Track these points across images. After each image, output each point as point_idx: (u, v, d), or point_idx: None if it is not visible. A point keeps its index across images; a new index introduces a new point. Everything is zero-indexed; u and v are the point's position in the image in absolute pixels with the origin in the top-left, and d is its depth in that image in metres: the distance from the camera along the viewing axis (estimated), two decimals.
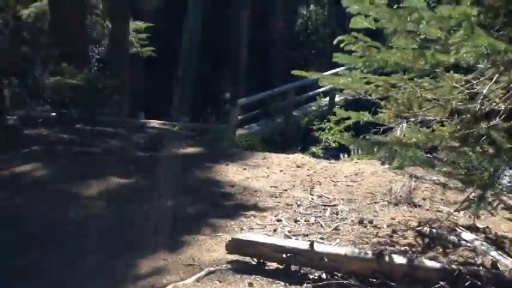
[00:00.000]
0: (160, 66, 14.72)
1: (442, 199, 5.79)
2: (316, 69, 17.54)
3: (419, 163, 4.24)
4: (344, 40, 4.13)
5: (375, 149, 4.41)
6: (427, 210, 5.32)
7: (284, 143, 12.42)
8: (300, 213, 5.08)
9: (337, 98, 14.78)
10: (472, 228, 4.39)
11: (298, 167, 6.87)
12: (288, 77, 15.09)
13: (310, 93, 14.35)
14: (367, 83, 4.60)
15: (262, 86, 13.95)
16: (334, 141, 12.06)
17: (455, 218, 5.12)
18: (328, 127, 12.20)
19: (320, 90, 14.39)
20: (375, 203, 5.41)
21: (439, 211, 5.32)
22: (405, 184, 5.68)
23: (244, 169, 6.62)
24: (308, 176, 6.41)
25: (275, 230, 4.58)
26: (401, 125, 7.44)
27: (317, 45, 18.03)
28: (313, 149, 11.89)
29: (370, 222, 4.83)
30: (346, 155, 8.66)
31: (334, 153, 11.50)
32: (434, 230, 4.32)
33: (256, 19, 16.44)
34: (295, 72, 4.99)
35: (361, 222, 4.83)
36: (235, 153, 7.70)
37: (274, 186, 5.85)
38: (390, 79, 4.42)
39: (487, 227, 4.74)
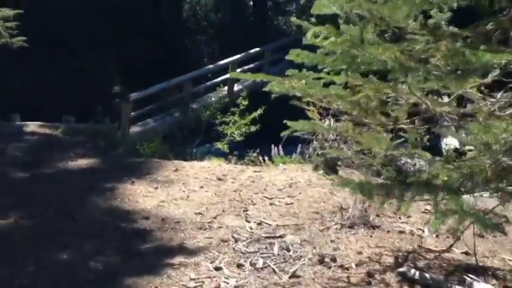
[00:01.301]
0: (37, 58, 12.66)
1: (395, 213, 4.84)
2: (209, 57, 16.31)
3: (472, 221, 2.96)
4: (319, 32, 2.94)
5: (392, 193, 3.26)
6: (388, 232, 4.33)
7: (185, 139, 11.11)
8: (241, 252, 3.86)
9: (235, 88, 13.66)
10: (470, 269, 3.42)
11: (219, 179, 5.63)
12: (184, 66, 13.78)
13: (208, 83, 13.06)
14: (326, 85, 3.46)
15: (156, 78, 12.43)
16: (240, 135, 10.98)
17: (426, 242, 4.18)
18: (233, 120, 11.08)
19: (218, 79, 13.19)
20: (327, 228, 4.32)
21: (402, 232, 4.35)
22: (356, 199, 4.65)
23: (156, 188, 5.27)
24: (235, 191, 5.21)
25: None
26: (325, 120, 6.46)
27: (208, 31, 16.71)
28: (219, 144, 10.73)
29: (333, 260, 3.73)
30: (266, 157, 7.53)
31: (240, 148, 10.48)
32: (427, 275, 3.29)
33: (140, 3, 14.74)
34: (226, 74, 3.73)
35: (321, 261, 3.72)
36: (139, 164, 6.29)
37: (200, 213, 4.57)
38: (361, 80, 3.30)
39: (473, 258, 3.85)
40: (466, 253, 3.88)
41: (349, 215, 4.46)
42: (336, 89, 3.31)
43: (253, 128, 10.65)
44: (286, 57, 3.30)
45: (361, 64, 2.93)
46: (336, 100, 3.33)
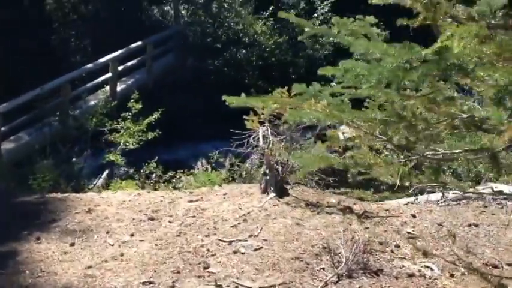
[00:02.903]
0: None
1: (380, 242, 3.96)
2: (83, 55, 14.34)
3: None
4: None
5: None
6: (397, 278, 3.42)
7: (69, 153, 9.49)
8: None
9: (118, 88, 12.12)
10: None
11: (151, 219, 4.35)
12: (57, 67, 11.87)
13: (88, 85, 11.34)
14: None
15: (24, 84, 10.50)
16: (134, 144, 9.57)
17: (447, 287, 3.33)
18: (125, 127, 9.60)
19: (99, 79, 11.56)
20: (325, 285, 3.30)
21: (411, 275, 3.46)
22: (347, 237, 3.68)
23: (72, 244, 3.87)
24: (179, 236, 4.00)
25: None
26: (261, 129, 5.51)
27: (78, 26, 14.67)
28: (111, 156, 9.20)
29: None
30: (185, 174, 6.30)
31: (136, 157, 9.18)
32: None
33: None
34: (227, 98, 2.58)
35: None
36: (36, 206, 4.75)
37: (149, 282, 3.31)
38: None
39: None
40: None
41: (343, 260, 3.47)
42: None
43: (150, 135, 9.30)
44: (322, 72, 2.21)
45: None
46: (379, 126, 2.27)
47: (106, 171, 9.64)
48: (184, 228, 4.16)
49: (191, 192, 5.14)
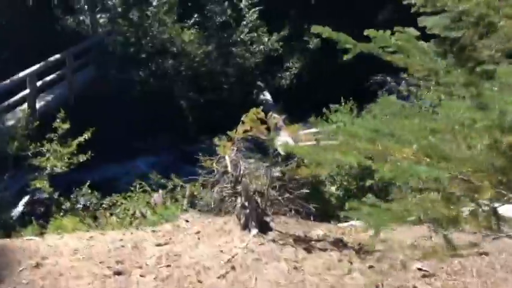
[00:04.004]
0: None
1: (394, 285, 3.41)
2: None
3: None
4: None
5: None
6: None
7: None
8: None
9: (38, 104, 10.86)
10: None
11: (118, 273, 3.52)
12: None
13: (5, 103, 10.01)
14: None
15: None
16: (63, 168, 8.48)
17: None
18: (52, 150, 8.47)
19: (17, 97, 10.27)
20: None
21: None
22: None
23: None
24: None
25: None
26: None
27: None
28: (37, 183, 8.06)
29: None
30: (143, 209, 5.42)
31: (60, 179, 8.17)
32: None
33: None
34: None
35: None
36: None
37: None
38: None
39: None
40: None
41: None
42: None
43: (82, 158, 8.25)
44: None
45: None
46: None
47: (25, 198, 8.58)
48: (161, 283, 3.39)
49: (154, 231, 4.34)
